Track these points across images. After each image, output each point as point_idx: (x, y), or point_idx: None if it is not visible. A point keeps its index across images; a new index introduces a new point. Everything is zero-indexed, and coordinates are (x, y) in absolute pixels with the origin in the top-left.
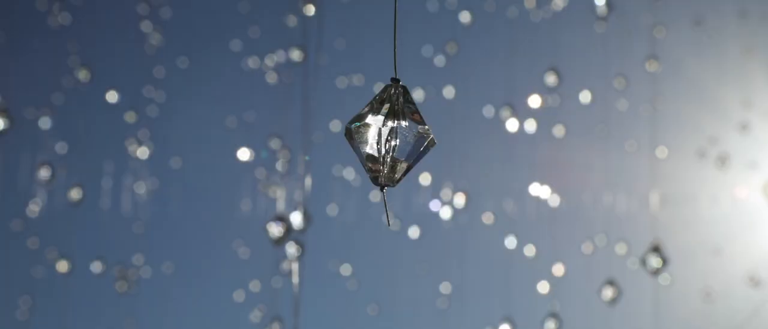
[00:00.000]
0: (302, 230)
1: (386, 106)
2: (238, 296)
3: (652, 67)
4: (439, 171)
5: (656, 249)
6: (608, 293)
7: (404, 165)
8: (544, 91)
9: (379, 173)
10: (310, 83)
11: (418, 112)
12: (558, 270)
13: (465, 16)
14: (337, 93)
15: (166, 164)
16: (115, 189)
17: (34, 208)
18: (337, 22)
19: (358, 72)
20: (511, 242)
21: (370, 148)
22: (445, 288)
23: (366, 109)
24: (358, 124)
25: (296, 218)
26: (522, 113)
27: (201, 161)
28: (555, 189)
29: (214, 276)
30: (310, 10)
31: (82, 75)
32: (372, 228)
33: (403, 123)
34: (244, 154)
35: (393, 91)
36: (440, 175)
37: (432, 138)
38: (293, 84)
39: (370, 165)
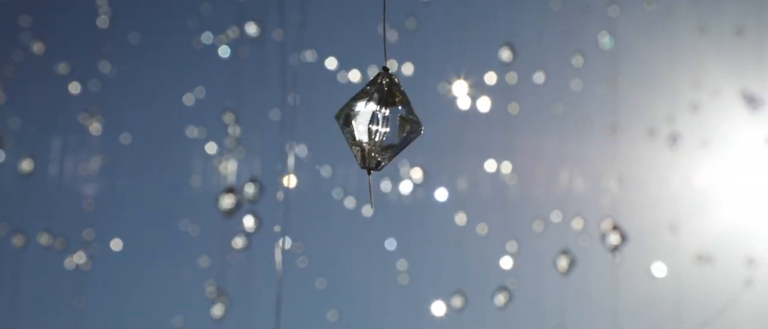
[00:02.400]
0: (255, 202)
1: (376, 93)
2: (188, 272)
3: (607, 45)
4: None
5: (615, 227)
6: (563, 263)
7: (391, 150)
8: (499, 68)
9: (367, 157)
10: (266, 59)
11: (405, 99)
12: (512, 246)
13: None
14: (291, 69)
15: (116, 139)
16: (65, 163)
17: None
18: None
19: (311, 48)
20: (461, 218)
21: (360, 133)
22: (401, 265)
23: (357, 96)
24: (349, 110)
25: (249, 189)
26: (478, 90)
27: (151, 136)
28: (510, 167)
29: (164, 251)
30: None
31: (35, 48)
32: (323, 204)
33: (392, 110)
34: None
35: (383, 79)
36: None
37: (418, 125)
38: (248, 60)
39: (358, 149)
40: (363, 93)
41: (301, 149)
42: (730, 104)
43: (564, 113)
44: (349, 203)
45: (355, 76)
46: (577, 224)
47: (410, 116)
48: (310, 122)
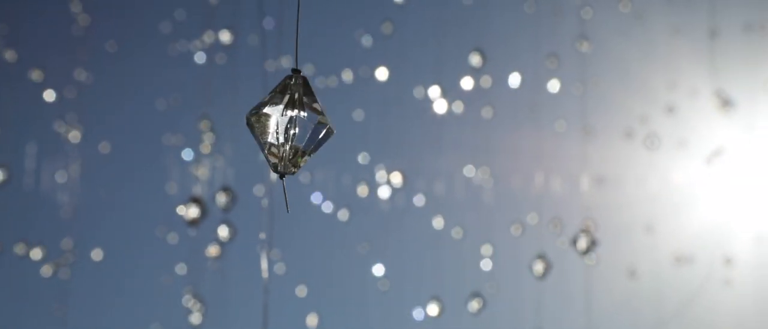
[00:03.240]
0: (226, 210)
1: (286, 95)
2: (167, 279)
3: (583, 47)
4: (373, 153)
5: (586, 231)
6: (539, 267)
7: (303, 153)
8: (472, 72)
9: (279, 161)
10: (242, 65)
11: (317, 101)
12: (486, 250)
13: None
14: (266, 75)
15: (93, 147)
16: (41, 172)
17: None
18: (265, 3)
19: (286, 54)
20: (438, 223)
21: (271, 137)
22: (377, 270)
23: (266, 98)
24: (258, 113)
25: (220, 199)
26: (452, 94)
27: (128, 144)
28: (485, 171)
29: (142, 259)
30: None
31: (9, 55)
32: (300, 211)
33: (303, 113)
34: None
35: (293, 81)
36: (374, 157)
37: (330, 127)
38: (223, 66)
39: (270, 154)
40: (272, 95)
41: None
42: (706, 104)
43: (539, 115)
44: (327, 208)
45: (332, 82)
46: (554, 226)
47: (321, 117)
48: None
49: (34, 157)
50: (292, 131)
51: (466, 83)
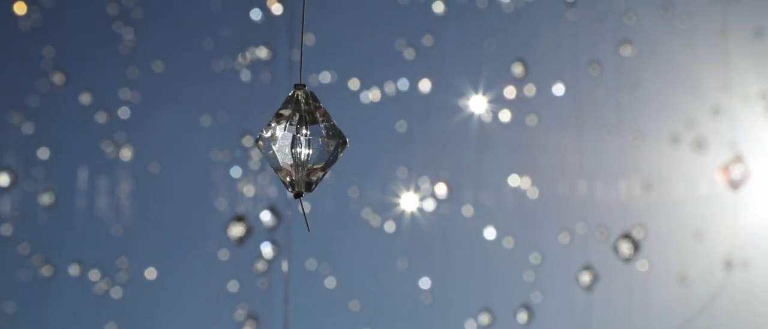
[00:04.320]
0: (272, 229)
1: (294, 113)
2: (219, 296)
3: (626, 52)
4: (418, 165)
5: (627, 236)
6: (586, 278)
7: (320, 171)
8: (515, 81)
9: (295, 181)
10: (281, 80)
11: (326, 114)
12: (535, 259)
13: (439, 7)
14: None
15: (143, 165)
16: (93, 192)
17: (14, 212)
18: (308, 18)
19: (331, 68)
20: (490, 233)
21: (283, 156)
22: (424, 283)
23: (274, 116)
24: (266, 133)
25: (265, 217)
26: (496, 103)
27: (177, 161)
28: (533, 179)
29: (195, 276)
30: (278, 8)
31: (57, 78)
32: (349, 225)
33: (313, 128)
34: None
35: (299, 96)
36: (418, 168)
37: (344, 141)
38: (267, 82)
39: (284, 174)
40: (280, 114)
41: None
42: (755, 106)
43: (585, 121)
44: (375, 222)
45: (375, 95)
46: (600, 234)
47: (333, 131)
48: None
49: (85, 178)
50: (303, 149)
51: (510, 92)
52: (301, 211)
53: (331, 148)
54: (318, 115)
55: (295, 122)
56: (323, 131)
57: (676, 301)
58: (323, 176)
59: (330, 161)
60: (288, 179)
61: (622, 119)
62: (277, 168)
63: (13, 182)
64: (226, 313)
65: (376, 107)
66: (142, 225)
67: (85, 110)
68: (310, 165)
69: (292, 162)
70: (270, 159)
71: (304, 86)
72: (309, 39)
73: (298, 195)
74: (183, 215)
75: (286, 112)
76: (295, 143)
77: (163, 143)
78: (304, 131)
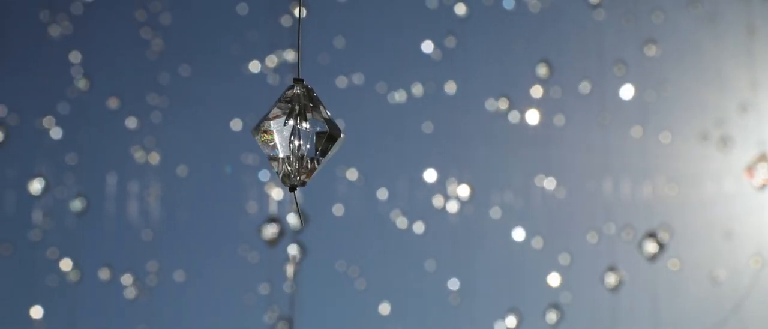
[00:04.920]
0: (299, 231)
1: (292, 106)
2: (249, 299)
3: (653, 50)
4: (445, 167)
5: (652, 235)
6: (611, 279)
7: (314, 164)
8: (541, 82)
9: (290, 173)
10: (313, 83)
11: (323, 108)
12: (564, 259)
13: (460, 9)
14: (338, 93)
15: (171, 170)
16: (122, 197)
17: (44, 218)
18: (335, 21)
19: (357, 71)
20: (518, 234)
21: (279, 149)
22: (452, 284)
23: (272, 110)
24: (263, 126)
25: (292, 219)
26: (523, 104)
27: (206, 165)
28: (560, 180)
29: (224, 279)
30: (301, 11)
31: (83, 84)
32: (377, 227)
33: (310, 122)
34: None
35: (297, 91)
36: (446, 170)
37: (339, 133)
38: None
39: (279, 166)
40: (278, 107)
41: (352, 173)
42: None
43: (612, 122)
44: (403, 223)
45: (401, 96)
46: (627, 234)
47: (329, 125)
48: (361, 145)
49: (114, 183)
50: (298, 142)
51: (536, 92)
52: (295, 204)
53: (325, 141)
54: (314, 109)
55: (292, 115)
56: (319, 125)
57: (709, 300)
58: (316, 171)
59: (324, 154)
60: (281, 172)
61: (650, 117)
62: (272, 160)
63: (46, 189)
64: (256, 315)
65: (402, 108)
66: (172, 229)
67: (113, 115)
68: (303, 158)
69: (286, 155)
70: (265, 151)
71: (302, 80)
72: (339, 42)
73: (292, 189)
74: (212, 219)
75: (284, 105)
76: (290, 135)
77: (191, 147)
78: (300, 124)
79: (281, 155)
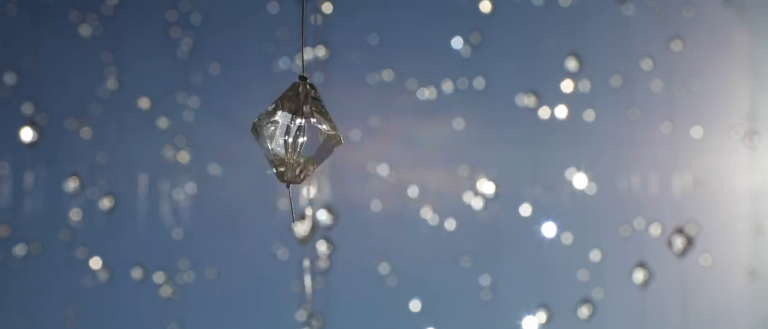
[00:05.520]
0: (329, 228)
1: (293, 103)
2: (281, 296)
3: (683, 45)
4: (475, 163)
5: (680, 231)
6: (639, 275)
7: (311, 163)
8: (570, 76)
9: (286, 170)
10: (337, 81)
11: (325, 109)
12: (595, 255)
13: (486, 6)
14: (369, 89)
15: (202, 168)
16: (154, 196)
17: (75, 218)
18: (364, 17)
19: (387, 68)
20: (548, 229)
21: (277, 145)
22: (484, 280)
23: (273, 106)
24: (264, 120)
25: (322, 216)
26: (553, 99)
27: (236, 163)
28: (591, 176)
29: (256, 276)
30: (328, 7)
31: (113, 84)
32: (408, 224)
33: (311, 120)
34: None
35: (300, 88)
36: (476, 166)
37: (338, 136)
38: (325, 83)
39: (276, 163)
40: (278, 103)
41: (383, 169)
42: None
43: (641, 117)
44: (434, 220)
45: (431, 93)
46: (655, 229)
47: (328, 125)
48: (390, 141)
49: (146, 182)
50: (297, 139)
51: (567, 87)
52: (290, 202)
53: (325, 143)
54: (315, 108)
55: (292, 113)
56: (319, 125)
57: (747, 295)
58: (313, 169)
59: (321, 157)
60: (278, 168)
61: (680, 112)
62: (269, 157)
63: (80, 188)
64: (288, 313)
65: (432, 104)
66: (203, 227)
67: (144, 115)
68: (301, 156)
69: (283, 152)
70: (263, 146)
71: (306, 78)
72: (372, 39)
73: (287, 186)
74: (243, 216)
75: (285, 102)
76: (288, 133)
77: (222, 145)
78: (298, 123)
79: (279, 152)
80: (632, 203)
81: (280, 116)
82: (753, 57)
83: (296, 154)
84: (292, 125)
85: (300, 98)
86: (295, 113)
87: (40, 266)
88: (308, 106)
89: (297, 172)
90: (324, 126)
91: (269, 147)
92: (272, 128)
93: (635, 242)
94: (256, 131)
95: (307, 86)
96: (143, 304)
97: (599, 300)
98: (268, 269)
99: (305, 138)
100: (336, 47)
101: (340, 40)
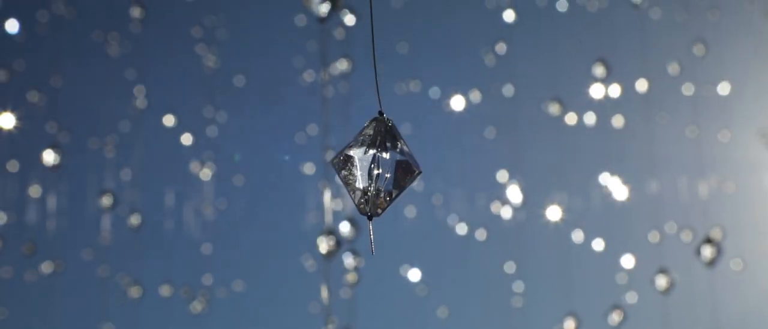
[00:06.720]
0: (351, 240)
1: (373, 138)
2: (311, 308)
3: (709, 49)
4: (504, 171)
5: (709, 240)
6: (662, 282)
7: (390, 196)
8: (599, 82)
9: (366, 203)
10: (359, 92)
11: (404, 142)
12: (627, 261)
13: (509, 15)
14: (396, 100)
15: (229, 182)
16: (178, 211)
17: (103, 236)
18: (389, 29)
19: (415, 78)
20: (578, 236)
21: (358, 179)
22: (517, 287)
23: (354, 141)
24: (344, 155)
25: (345, 228)
26: (582, 106)
27: (262, 176)
28: (622, 181)
29: (284, 289)
30: (350, 19)
31: (139, 102)
32: (438, 233)
33: (389, 155)
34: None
35: (379, 124)
36: (505, 174)
37: (417, 168)
38: (348, 95)
39: (357, 196)
40: (360, 138)
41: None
42: None
43: (670, 121)
44: (461, 229)
45: (458, 103)
46: (685, 235)
47: (408, 159)
48: (419, 152)
49: (173, 197)
50: (377, 173)
51: (596, 92)
52: (370, 234)
53: (403, 175)
54: (394, 142)
55: (373, 147)
56: (398, 158)
57: None
58: (392, 201)
59: (401, 189)
60: (360, 201)
61: (708, 116)
62: (350, 190)
63: (113, 205)
64: (316, 325)
65: (460, 114)
66: (231, 241)
67: (170, 131)
68: (381, 190)
69: (364, 185)
70: (343, 180)
71: (383, 114)
72: (402, 47)
73: (369, 218)
74: (270, 229)
75: (365, 136)
76: (370, 167)
77: (248, 158)
78: (380, 157)
79: (360, 185)
80: (663, 208)
81: (360, 151)
82: None
83: (377, 187)
84: (371, 159)
85: (378, 133)
86: (374, 147)
87: (67, 284)
88: (386, 141)
89: (377, 205)
90: (404, 159)
91: (349, 181)
92: (351, 162)
93: (666, 247)
94: (336, 165)
95: (385, 121)
96: (172, 320)
97: (631, 305)
98: (296, 281)
99: (384, 171)
100: (363, 59)
101: (367, 52)
